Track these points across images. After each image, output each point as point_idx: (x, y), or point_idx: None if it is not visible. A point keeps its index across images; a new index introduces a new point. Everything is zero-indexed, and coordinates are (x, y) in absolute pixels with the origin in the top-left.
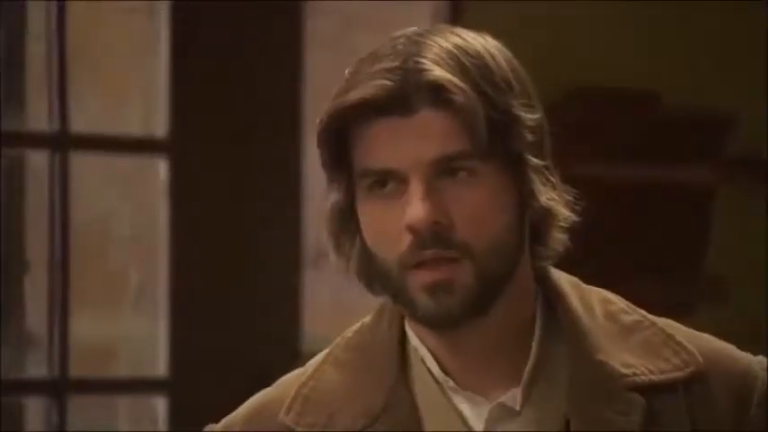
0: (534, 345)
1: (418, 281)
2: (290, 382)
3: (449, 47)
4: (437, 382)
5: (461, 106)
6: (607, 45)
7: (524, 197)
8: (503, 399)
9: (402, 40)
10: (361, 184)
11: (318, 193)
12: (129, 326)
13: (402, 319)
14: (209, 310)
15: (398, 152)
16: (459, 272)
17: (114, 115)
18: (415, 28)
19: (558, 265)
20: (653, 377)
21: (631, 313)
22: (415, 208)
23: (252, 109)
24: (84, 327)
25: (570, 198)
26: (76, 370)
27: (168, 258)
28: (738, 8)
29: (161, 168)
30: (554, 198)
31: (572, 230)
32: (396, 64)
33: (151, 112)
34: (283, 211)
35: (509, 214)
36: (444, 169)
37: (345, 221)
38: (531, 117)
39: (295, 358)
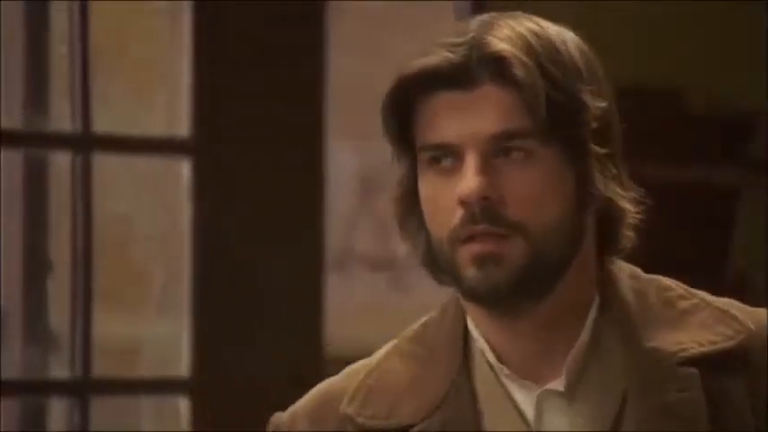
0: (583, 332)
1: (467, 252)
2: (355, 370)
3: (521, 30)
4: (494, 371)
5: (522, 81)
6: (632, 44)
7: (585, 186)
8: (550, 385)
9: (477, 21)
10: (421, 159)
11: (341, 194)
12: (152, 326)
13: (464, 312)
14: (232, 311)
15: (457, 126)
16: (510, 247)
17: (137, 116)
18: (495, 13)
19: None
20: (702, 349)
21: (689, 298)
22: (468, 181)
23: (275, 110)
24: (106, 327)
25: (636, 196)
26: (99, 370)
27: (191, 259)
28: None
29: (184, 169)
30: (617, 192)
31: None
32: (462, 39)
33: (174, 113)
34: (306, 213)
35: (566, 201)
36: (501, 148)
37: (410, 202)
38: (597, 105)
39: (317, 360)
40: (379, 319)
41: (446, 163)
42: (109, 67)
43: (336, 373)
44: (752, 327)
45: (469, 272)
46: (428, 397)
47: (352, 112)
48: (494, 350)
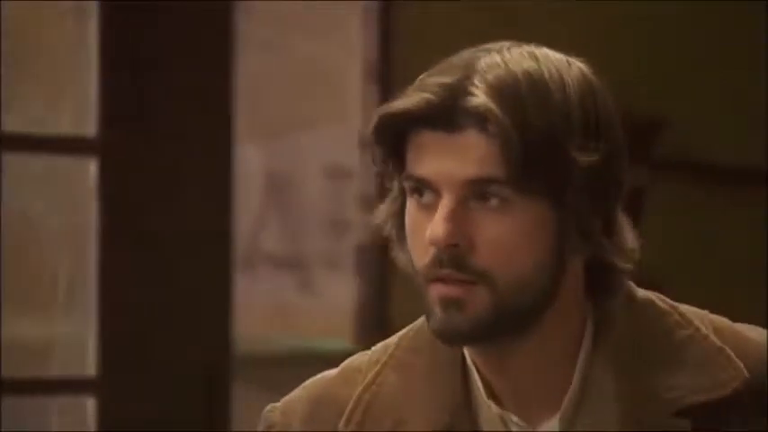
0: (577, 372)
1: (435, 292)
2: (354, 369)
3: (515, 71)
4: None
5: (496, 134)
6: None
7: (562, 239)
8: (543, 427)
9: (479, 54)
10: (406, 187)
11: (250, 195)
12: (58, 326)
13: None
14: (139, 311)
15: (436, 165)
16: (474, 295)
17: (45, 115)
18: (505, 42)
19: None
20: (697, 398)
21: (686, 327)
22: (436, 226)
23: (183, 110)
24: (13, 327)
25: (630, 245)
26: (6, 370)
27: (98, 259)
28: (659, 7)
29: (91, 168)
30: (601, 245)
31: None
32: (448, 80)
33: (81, 113)
34: (214, 212)
35: (541, 253)
36: (478, 192)
37: (402, 219)
38: (586, 159)
39: (226, 359)
40: (287, 319)
41: (427, 197)
42: (17, 66)
43: (244, 373)
44: (746, 374)
45: (436, 312)
46: (431, 420)
47: (260, 111)
48: (484, 382)
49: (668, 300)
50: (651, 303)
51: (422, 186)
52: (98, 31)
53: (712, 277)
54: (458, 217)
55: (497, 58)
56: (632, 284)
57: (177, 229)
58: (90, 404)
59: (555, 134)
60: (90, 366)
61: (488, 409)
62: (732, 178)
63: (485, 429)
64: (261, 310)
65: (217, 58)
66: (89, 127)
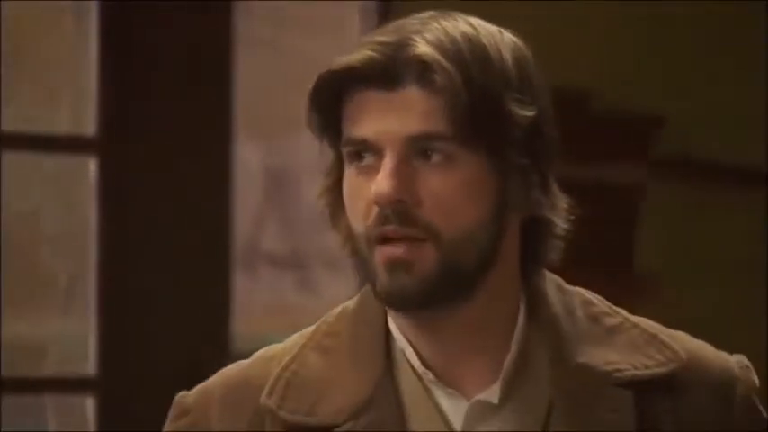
0: (514, 342)
1: (380, 256)
2: (267, 357)
3: (454, 33)
4: (417, 374)
5: (443, 86)
6: (535, 44)
7: (504, 194)
8: (482, 395)
9: (413, 20)
10: (345, 154)
11: (249, 193)
12: (58, 325)
13: (385, 307)
14: (139, 309)
15: (378, 124)
16: (421, 254)
17: (44, 114)
18: (434, 12)
19: None
20: (636, 372)
21: (614, 315)
22: (382, 182)
23: (182, 108)
24: (13, 326)
25: (565, 205)
26: (6, 369)
27: (97, 257)
28: (676, 6)
29: (90, 167)
30: (539, 201)
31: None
32: (390, 39)
33: (80, 112)
34: (213, 211)
35: (483, 208)
36: (421, 149)
37: (337, 193)
38: (523, 114)
39: (224, 358)
40: (287, 319)
41: (367, 160)
42: (16, 65)
43: None
44: (683, 356)
45: (382, 276)
46: (351, 397)
47: (260, 110)
48: (417, 353)
49: (595, 294)
50: (579, 293)
51: (362, 149)
52: (97, 29)
53: (712, 277)
54: (402, 173)
55: (434, 23)
56: (560, 278)
57: (176, 228)
58: (89, 403)
59: (495, 90)
60: (89, 365)
61: (412, 381)
62: (732, 178)
63: (408, 404)
64: (260, 308)
65: (216, 57)
66: (88, 126)
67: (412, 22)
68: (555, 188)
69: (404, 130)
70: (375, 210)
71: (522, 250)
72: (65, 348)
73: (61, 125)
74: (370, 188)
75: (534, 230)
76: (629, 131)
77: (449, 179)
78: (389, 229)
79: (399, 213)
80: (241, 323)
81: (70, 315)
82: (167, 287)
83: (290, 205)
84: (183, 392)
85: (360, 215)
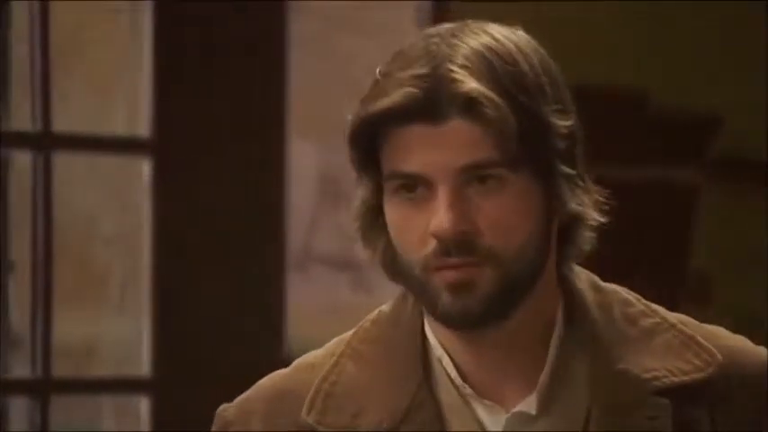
0: (551, 351)
1: (441, 279)
2: (307, 365)
3: (480, 49)
4: (455, 385)
5: (492, 118)
6: (595, 45)
7: (553, 203)
8: (519, 407)
9: (434, 41)
10: (388, 185)
11: (302, 194)
12: (112, 325)
13: (422, 313)
14: (193, 310)
15: (427, 159)
16: (481, 275)
17: (98, 115)
18: (447, 25)
19: None
20: (675, 379)
21: (651, 315)
22: (442, 217)
23: (235, 109)
24: (67, 326)
25: (600, 198)
26: (60, 370)
27: (151, 258)
28: (729, 8)
29: (144, 168)
30: (583, 202)
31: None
32: (426, 71)
33: (135, 112)
34: (267, 212)
35: (536, 221)
36: (472, 177)
37: (373, 217)
38: (563, 124)
39: (277, 360)
40: (341, 320)
41: (419, 191)
42: (69, 66)
43: None
44: (720, 358)
45: (443, 298)
46: (390, 407)
47: (314, 111)
48: (455, 364)
49: (632, 292)
50: (616, 292)
51: (412, 182)
52: (151, 29)
53: (767, 277)
54: (458, 206)
55: (456, 40)
56: (596, 277)
57: (230, 229)
58: (144, 404)
59: (537, 107)
60: (143, 366)
61: (451, 394)
62: None
63: (447, 413)
64: (314, 310)
65: (270, 56)
66: (142, 127)
67: (434, 41)
68: (590, 184)
69: (454, 163)
70: (432, 241)
71: (558, 247)
72: (119, 348)
73: (116, 126)
74: (422, 219)
75: (571, 228)
76: (686, 132)
77: (502, 201)
78: (452, 260)
79: (462, 244)
80: (295, 324)
81: (124, 315)
82: (221, 288)
83: (343, 206)
84: (224, 405)
85: (413, 245)
